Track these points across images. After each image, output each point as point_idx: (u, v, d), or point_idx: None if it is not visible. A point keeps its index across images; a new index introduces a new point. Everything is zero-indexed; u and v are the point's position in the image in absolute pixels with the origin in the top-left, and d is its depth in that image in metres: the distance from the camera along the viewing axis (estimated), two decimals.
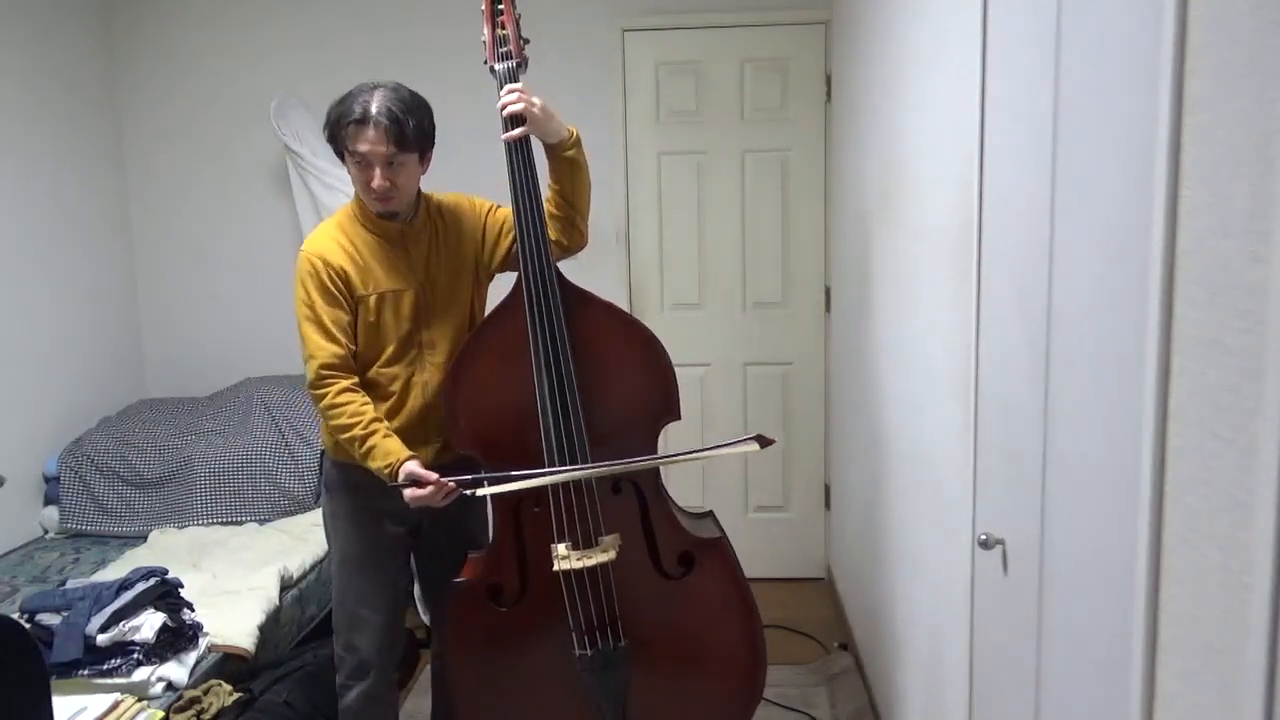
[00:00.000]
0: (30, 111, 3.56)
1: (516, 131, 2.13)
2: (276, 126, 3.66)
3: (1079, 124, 1.25)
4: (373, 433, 2.12)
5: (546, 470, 2.13)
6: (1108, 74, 1.16)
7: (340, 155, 2.17)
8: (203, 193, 4.08)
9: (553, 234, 2.23)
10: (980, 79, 1.68)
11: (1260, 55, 0.81)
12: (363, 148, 2.08)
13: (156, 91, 4.04)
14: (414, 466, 2.09)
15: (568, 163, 2.21)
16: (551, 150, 2.21)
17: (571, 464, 2.15)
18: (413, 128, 2.10)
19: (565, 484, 2.17)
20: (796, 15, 3.81)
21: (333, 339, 2.16)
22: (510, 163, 2.15)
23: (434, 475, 2.07)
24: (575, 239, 2.29)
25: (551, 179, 2.25)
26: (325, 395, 2.15)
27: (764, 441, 2.05)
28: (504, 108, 2.14)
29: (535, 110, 2.13)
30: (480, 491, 2.09)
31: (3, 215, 3.42)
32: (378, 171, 2.10)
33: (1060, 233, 1.31)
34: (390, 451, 2.11)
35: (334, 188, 3.60)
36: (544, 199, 2.22)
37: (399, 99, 2.11)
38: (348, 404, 2.14)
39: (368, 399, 2.18)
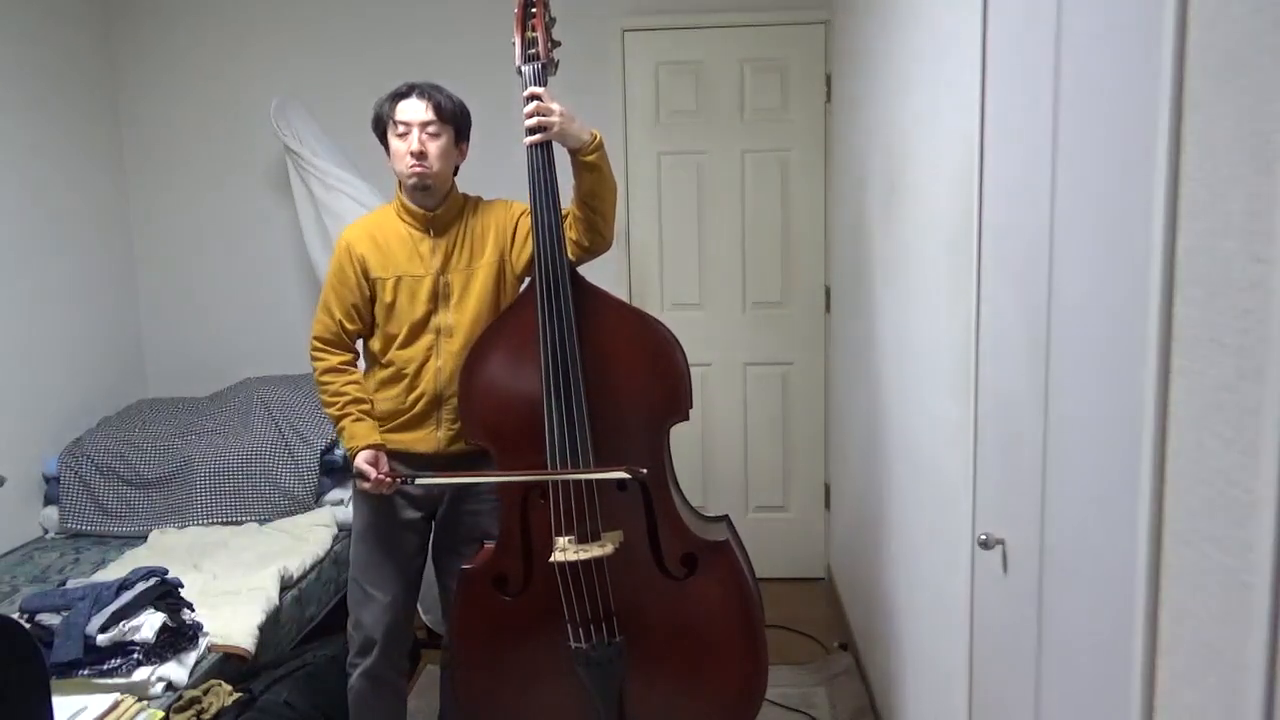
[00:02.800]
0: (31, 112, 3.56)
1: (535, 137, 2.22)
2: (277, 127, 3.66)
3: (1079, 122, 1.25)
4: (346, 415, 2.34)
5: (474, 473, 2.35)
6: (1108, 73, 1.16)
7: (384, 141, 2.33)
8: (203, 193, 4.08)
9: (574, 235, 2.29)
10: (980, 78, 1.68)
11: (1260, 55, 0.81)
12: (403, 115, 2.28)
13: (156, 92, 4.04)
14: (360, 462, 2.29)
15: (588, 167, 2.26)
16: (573, 155, 2.26)
17: (574, 463, 2.22)
18: (449, 104, 2.31)
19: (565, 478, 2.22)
20: (796, 15, 3.81)
21: (330, 314, 2.38)
22: (530, 163, 2.23)
23: (373, 472, 2.28)
24: (596, 241, 2.33)
25: (575, 181, 2.29)
26: (315, 370, 2.39)
27: (634, 473, 2.19)
28: (525, 118, 2.23)
29: (554, 120, 2.20)
30: (419, 481, 2.31)
31: (3, 215, 3.41)
32: (415, 134, 2.27)
33: (1060, 233, 1.31)
34: (354, 436, 2.32)
35: (334, 188, 3.60)
36: (568, 200, 2.29)
37: (437, 85, 2.34)
38: (330, 383, 2.37)
39: (354, 378, 2.38)
